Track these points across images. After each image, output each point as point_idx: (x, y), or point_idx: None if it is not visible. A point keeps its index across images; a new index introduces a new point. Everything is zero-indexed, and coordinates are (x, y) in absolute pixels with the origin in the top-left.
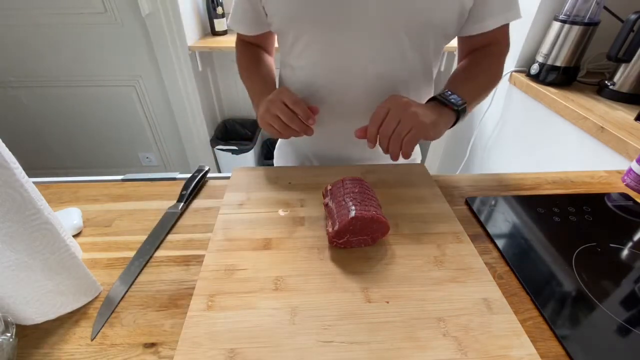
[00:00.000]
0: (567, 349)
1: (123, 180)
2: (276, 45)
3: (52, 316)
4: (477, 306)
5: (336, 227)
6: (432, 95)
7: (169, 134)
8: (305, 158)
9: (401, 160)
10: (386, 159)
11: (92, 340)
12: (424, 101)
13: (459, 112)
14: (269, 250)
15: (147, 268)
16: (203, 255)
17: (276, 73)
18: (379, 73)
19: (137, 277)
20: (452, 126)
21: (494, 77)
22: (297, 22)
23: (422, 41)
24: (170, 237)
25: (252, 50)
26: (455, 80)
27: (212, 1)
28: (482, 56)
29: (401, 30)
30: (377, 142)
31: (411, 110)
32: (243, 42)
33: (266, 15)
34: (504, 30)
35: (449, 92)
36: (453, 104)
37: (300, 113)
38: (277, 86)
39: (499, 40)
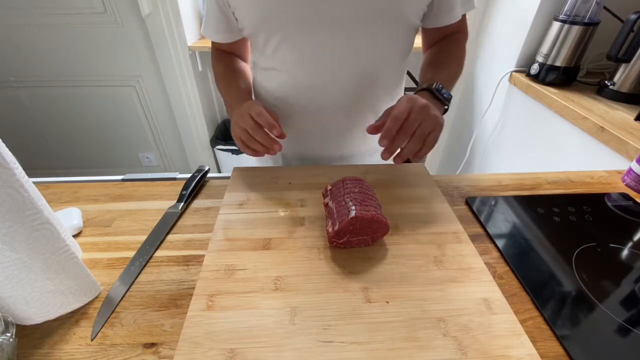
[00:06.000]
0: (567, 349)
1: (123, 180)
2: None
3: (52, 316)
4: (477, 306)
5: (336, 227)
6: (403, 88)
7: (169, 134)
8: (285, 161)
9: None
10: (365, 158)
11: (92, 340)
12: (396, 95)
13: (447, 107)
14: (269, 250)
15: (147, 268)
16: (203, 255)
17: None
18: (354, 68)
19: (137, 277)
20: None
21: (462, 63)
22: (265, 22)
23: (394, 34)
24: (170, 237)
25: (227, 58)
26: (434, 70)
27: None
28: (451, 45)
29: (373, 24)
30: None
31: (432, 112)
32: (218, 51)
33: (237, 21)
34: (464, 19)
35: (440, 86)
36: (446, 99)
37: (263, 123)
38: (252, 91)
39: (461, 28)
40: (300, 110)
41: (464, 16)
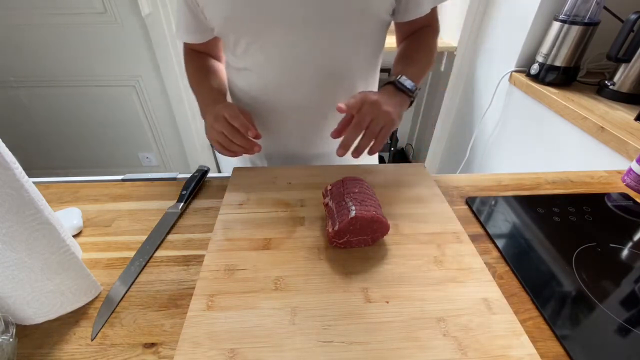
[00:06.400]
0: (567, 349)
1: (123, 180)
2: None
3: (52, 316)
4: (477, 306)
5: (336, 227)
6: (376, 83)
7: (169, 134)
8: (263, 161)
9: (369, 159)
10: (340, 161)
11: (92, 340)
12: (363, 89)
13: (413, 98)
14: (269, 250)
15: (147, 268)
16: (203, 255)
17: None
18: (324, 66)
19: (137, 277)
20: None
21: (433, 57)
22: (233, 22)
23: (363, 31)
24: (170, 237)
25: (199, 59)
26: (403, 63)
27: None
28: (421, 39)
29: (341, 22)
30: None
31: (384, 108)
32: (191, 51)
33: (207, 20)
34: (434, 13)
35: (404, 78)
36: (409, 91)
37: (238, 125)
38: (227, 91)
39: (431, 22)
40: (274, 110)
41: (434, 10)
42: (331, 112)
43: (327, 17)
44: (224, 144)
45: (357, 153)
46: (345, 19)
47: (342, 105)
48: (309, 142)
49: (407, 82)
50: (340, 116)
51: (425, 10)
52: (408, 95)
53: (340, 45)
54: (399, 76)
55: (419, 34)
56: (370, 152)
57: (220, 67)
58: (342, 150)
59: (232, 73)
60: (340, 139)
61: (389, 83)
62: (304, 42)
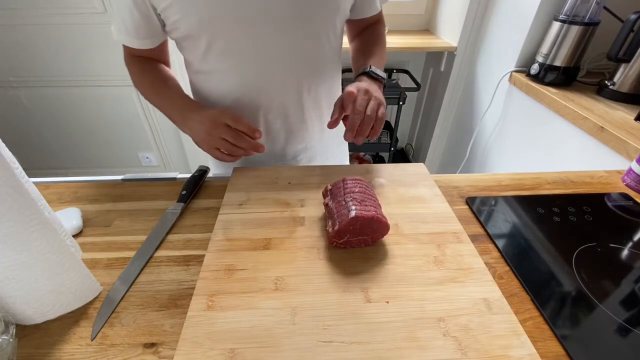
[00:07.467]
0: (567, 349)
1: (123, 180)
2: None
3: (52, 316)
4: (477, 306)
5: (336, 227)
6: (340, 75)
7: (169, 134)
8: (244, 162)
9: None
10: (329, 145)
11: (92, 340)
12: (336, 83)
13: (384, 85)
14: (269, 250)
15: (147, 268)
16: (203, 255)
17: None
18: (302, 64)
19: (137, 277)
20: None
21: (385, 48)
22: (208, 24)
23: (334, 26)
24: (170, 237)
25: (152, 65)
26: (365, 56)
27: None
28: (375, 34)
29: (317, 20)
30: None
31: (374, 94)
32: (136, 58)
33: (163, 24)
34: (381, 11)
35: (375, 68)
36: (383, 78)
37: (244, 129)
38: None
39: (379, 19)
40: (258, 109)
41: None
42: (314, 105)
43: (309, 16)
44: (228, 150)
45: (361, 138)
46: (321, 15)
47: (354, 90)
48: (294, 137)
49: (379, 71)
50: (323, 104)
51: (377, 8)
52: (381, 82)
53: (321, 42)
54: (369, 67)
55: (372, 30)
56: (373, 135)
57: (172, 73)
58: (350, 133)
59: (202, 77)
60: (325, 124)
61: (363, 74)
62: (287, 40)
